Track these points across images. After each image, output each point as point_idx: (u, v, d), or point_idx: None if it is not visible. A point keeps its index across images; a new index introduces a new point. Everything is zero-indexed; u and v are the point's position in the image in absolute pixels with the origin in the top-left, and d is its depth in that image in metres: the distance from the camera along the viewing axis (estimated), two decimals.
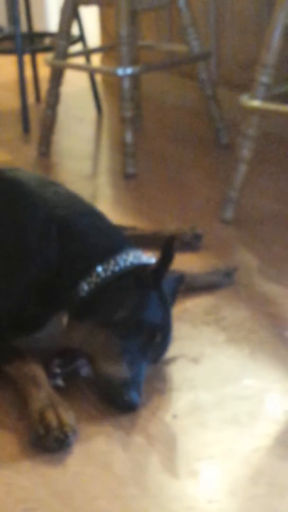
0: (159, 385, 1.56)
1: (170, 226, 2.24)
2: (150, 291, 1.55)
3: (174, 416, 1.46)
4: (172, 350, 1.66)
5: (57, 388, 1.48)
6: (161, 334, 1.54)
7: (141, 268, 1.58)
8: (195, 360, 1.63)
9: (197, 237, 2.14)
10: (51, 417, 1.38)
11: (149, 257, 1.63)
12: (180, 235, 2.13)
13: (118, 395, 1.45)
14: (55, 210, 1.64)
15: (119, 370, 1.46)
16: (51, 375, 1.50)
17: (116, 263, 1.57)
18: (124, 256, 1.59)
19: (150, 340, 1.52)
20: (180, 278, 1.70)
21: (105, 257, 1.58)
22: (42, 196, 1.67)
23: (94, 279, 1.56)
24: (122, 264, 1.57)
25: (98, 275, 1.56)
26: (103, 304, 1.54)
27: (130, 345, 1.49)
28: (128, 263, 1.58)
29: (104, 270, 1.57)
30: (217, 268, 1.98)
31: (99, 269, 1.57)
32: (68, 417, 1.40)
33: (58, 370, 1.51)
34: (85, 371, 1.52)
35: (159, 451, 1.37)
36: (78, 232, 1.62)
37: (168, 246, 1.53)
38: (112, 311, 1.52)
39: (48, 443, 1.36)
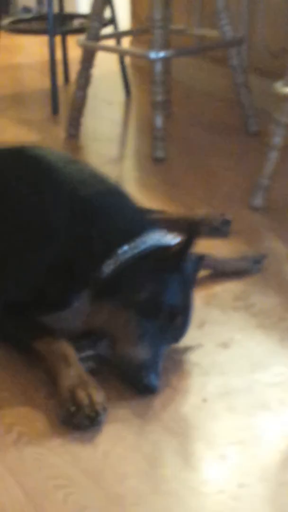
0: (189, 369, 1.56)
1: (199, 211, 2.24)
2: (172, 273, 1.55)
3: (204, 400, 1.46)
4: (202, 335, 1.67)
5: (90, 371, 1.48)
6: (181, 316, 1.55)
7: (164, 250, 1.57)
8: (224, 345, 1.64)
9: (226, 223, 2.14)
10: (82, 395, 1.39)
11: (173, 238, 1.62)
12: (209, 220, 2.13)
13: (137, 378, 1.45)
14: (80, 189, 1.64)
15: (138, 352, 1.47)
16: (83, 358, 1.50)
17: (139, 244, 1.57)
18: (147, 237, 1.58)
19: (170, 322, 1.53)
20: (199, 260, 1.69)
21: (129, 237, 1.58)
22: (67, 174, 1.67)
23: (117, 259, 1.56)
24: (145, 245, 1.57)
25: (121, 255, 1.56)
26: (125, 285, 1.54)
27: (150, 326, 1.50)
28: (151, 244, 1.57)
29: (127, 250, 1.57)
30: (246, 255, 1.98)
31: (122, 249, 1.56)
32: (99, 395, 1.40)
33: (90, 352, 1.51)
34: (107, 351, 1.53)
35: (189, 434, 1.37)
36: (102, 212, 1.61)
37: (192, 230, 1.53)
38: (134, 292, 1.53)
39: (79, 420, 1.37)
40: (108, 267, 1.56)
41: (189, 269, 1.60)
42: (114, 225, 1.60)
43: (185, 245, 1.54)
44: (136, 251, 1.56)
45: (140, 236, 1.58)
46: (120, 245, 1.57)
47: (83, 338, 1.54)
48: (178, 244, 1.56)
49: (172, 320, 1.53)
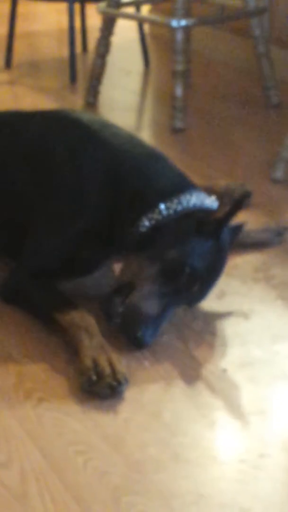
0: (209, 339, 1.55)
1: (219, 181, 2.22)
2: (207, 238, 1.54)
3: (225, 370, 1.45)
4: (223, 305, 1.66)
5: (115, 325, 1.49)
6: (200, 283, 1.53)
7: (203, 212, 1.56)
8: (245, 316, 1.62)
9: (247, 195, 2.12)
10: (104, 364, 1.38)
11: (213, 201, 1.61)
12: (230, 191, 2.11)
13: (133, 329, 1.46)
14: (116, 152, 1.63)
15: (144, 307, 1.47)
16: (113, 315, 1.51)
17: (179, 203, 1.56)
18: (187, 196, 1.57)
19: (188, 287, 1.52)
20: (238, 228, 1.68)
21: (168, 195, 1.56)
22: (103, 138, 1.65)
23: (155, 215, 1.55)
24: (185, 204, 1.56)
25: (160, 212, 1.55)
26: (159, 240, 1.53)
27: (167, 286, 1.49)
28: (191, 204, 1.56)
29: (167, 208, 1.56)
30: (267, 227, 1.96)
31: (162, 206, 1.56)
32: (121, 365, 1.40)
33: (120, 309, 1.51)
34: None
35: (210, 404, 1.37)
36: (141, 173, 1.60)
37: (239, 201, 1.52)
38: (164, 250, 1.52)
39: (101, 389, 1.36)
40: (147, 222, 1.55)
41: (226, 238, 1.59)
42: (153, 183, 1.59)
43: (228, 214, 1.53)
44: (176, 208, 1.56)
45: (181, 195, 1.57)
46: (159, 203, 1.56)
47: (115, 293, 1.54)
48: (221, 211, 1.54)
49: (191, 285, 1.52)
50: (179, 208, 1.55)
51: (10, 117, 1.83)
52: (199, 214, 1.55)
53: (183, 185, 1.60)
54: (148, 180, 1.59)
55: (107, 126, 1.72)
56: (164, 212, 1.55)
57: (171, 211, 1.55)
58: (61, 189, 1.62)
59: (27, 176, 1.67)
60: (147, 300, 1.48)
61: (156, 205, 1.56)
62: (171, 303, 1.50)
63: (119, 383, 1.37)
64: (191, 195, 1.57)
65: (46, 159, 1.65)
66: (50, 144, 1.67)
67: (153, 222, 1.55)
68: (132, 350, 1.49)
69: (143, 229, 1.55)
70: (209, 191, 2.07)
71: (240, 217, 2.02)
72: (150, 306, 1.47)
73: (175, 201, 1.56)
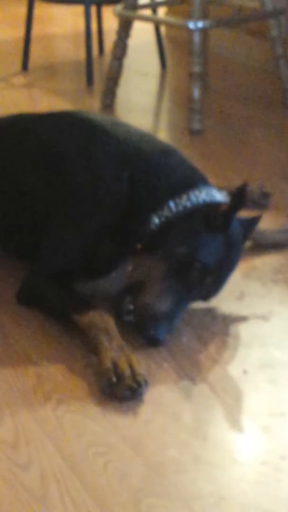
0: (229, 340, 1.54)
1: (238, 183, 2.21)
2: (216, 232, 1.54)
3: (245, 372, 1.44)
4: (241, 307, 1.65)
5: (129, 323, 1.50)
6: (212, 277, 1.53)
7: (213, 207, 1.55)
8: (265, 318, 1.62)
9: (266, 196, 2.11)
10: (124, 366, 1.38)
11: (223, 195, 1.60)
12: (249, 193, 2.10)
13: (145, 326, 1.46)
14: (128, 150, 1.63)
15: (156, 303, 1.47)
16: (124, 312, 1.51)
17: (188, 199, 1.56)
18: (196, 192, 1.57)
19: (200, 281, 1.52)
20: (255, 220, 1.68)
21: (178, 192, 1.57)
22: (115, 136, 1.66)
23: (165, 212, 1.56)
24: (194, 200, 1.56)
25: (169, 208, 1.56)
26: (169, 237, 1.54)
27: (178, 282, 1.49)
28: (200, 200, 1.56)
29: (176, 204, 1.56)
30: (285, 227, 1.95)
31: (171, 203, 1.56)
32: (140, 367, 1.39)
33: (131, 307, 1.51)
34: None
35: (230, 405, 1.36)
36: (152, 170, 1.60)
37: (240, 191, 1.51)
38: (175, 246, 1.52)
39: (121, 391, 1.36)
40: (157, 219, 1.56)
41: (238, 231, 1.59)
42: (163, 180, 1.59)
43: (233, 207, 1.53)
44: (185, 204, 1.56)
45: (190, 191, 1.57)
46: (170, 198, 1.56)
47: (126, 292, 1.54)
48: (227, 204, 1.54)
49: (203, 279, 1.52)
50: (188, 204, 1.55)
51: (21, 120, 1.84)
52: (208, 209, 1.55)
53: (194, 181, 1.60)
54: (159, 177, 1.60)
55: (118, 124, 1.72)
56: (173, 209, 1.55)
57: (180, 208, 1.55)
58: (76, 188, 1.62)
59: (41, 177, 1.67)
60: (158, 297, 1.48)
61: (165, 202, 1.56)
62: (184, 298, 1.50)
63: (139, 385, 1.36)
64: (201, 191, 1.57)
65: (59, 159, 1.65)
66: (62, 145, 1.67)
67: (162, 219, 1.55)
68: (151, 352, 1.48)
69: (153, 226, 1.55)
70: (231, 191, 2.07)
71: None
72: (162, 303, 1.47)
73: (184, 197, 1.56)
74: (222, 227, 1.54)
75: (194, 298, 1.55)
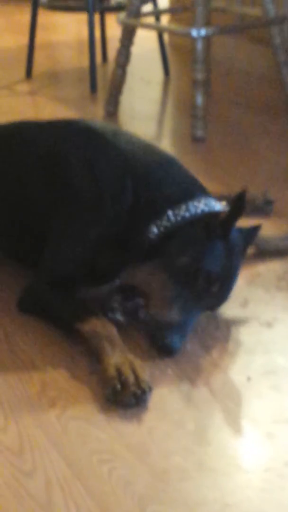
0: (232, 347, 1.55)
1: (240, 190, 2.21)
2: (217, 241, 1.55)
3: (249, 379, 1.45)
4: (245, 314, 1.65)
5: (116, 324, 1.50)
6: (219, 284, 1.54)
7: (212, 216, 1.56)
8: (268, 325, 1.62)
9: (269, 203, 2.12)
10: (128, 373, 1.38)
11: (222, 205, 1.61)
12: (251, 200, 2.11)
13: (160, 337, 1.47)
14: (129, 160, 1.64)
15: (168, 313, 1.48)
16: (110, 309, 1.53)
17: (187, 209, 1.57)
18: (196, 202, 1.58)
19: (207, 289, 1.52)
20: (255, 229, 1.68)
21: (177, 202, 1.58)
22: (117, 145, 1.66)
23: (164, 222, 1.57)
24: (193, 210, 1.57)
25: (168, 219, 1.57)
26: (169, 248, 1.55)
27: (185, 291, 1.50)
28: (199, 210, 1.57)
29: (175, 214, 1.57)
30: None
31: (170, 213, 1.57)
32: (144, 374, 1.40)
33: (117, 305, 1.53)
34: (142, 312, 1.54)
35: (233, 412, 1.36)
36: (152, 180, 1.61)
37: (238, 198, 1.52)
38: (175, 256, 1.53)
39: (125, 398, 1.36)
40: (156, 229, 1.56)
41: (238, 240, 1.59)
42: (163, 191, 1.60)
43: (232, 214, 1.53)
44: (184, 215, 1.57)
45: (189, 201, 1.58)
46: (169, 209, 1.57)
47: (118, 291, 1.56)
48: (226, 212, 1.55)
49: (209, 287, 1.52)
50: (187, 214, 1.56)
51: (24, 127, 1.84)
52: (207, 218, 1.56)
53: (193, 192, 1.61)
54: (158, 187, 1.60)
55: (120, 133, 1.73)
56: (172, 219, 1.56)
57: (179, 218, 1.56)
58: (78, 197, 1.63)
59: (43, 185, 1.68)
60: (167, 308, 1.48)
61: (164, 212, 1.57)
62: (194, 308, 1.51)
63: (143, 391, 1.36)
64: (200, 201, 1.59)
65: (61, 168, 1.66)
66: (64, 153, 1.68)
67: (161, 229, 1.56)
68: (155, 359, 1.48)
69: (152, 236, 1.56)
70: (230, 199, 2.07)
71: (262, 226, 2.03)
72: (172, 313, 1.48)
73: (183, 207, 1.57)
74: (222, 235, 1.55)
75: (203, 307, 1.55)
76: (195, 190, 1.63)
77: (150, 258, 1.55)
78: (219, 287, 1.54)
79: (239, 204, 1.53)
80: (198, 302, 1.52)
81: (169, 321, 1.47)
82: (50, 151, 1.70)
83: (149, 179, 1.61)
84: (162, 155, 1.70)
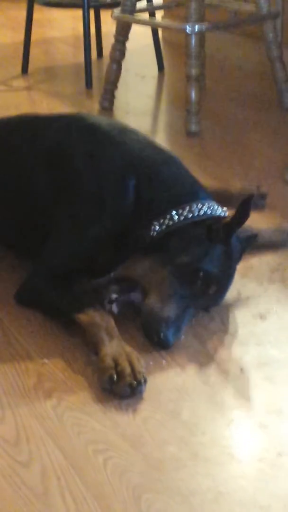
0: (226, 339, 1.56)
1: (235, 184, 2.23)
2: (218, 244, 1.56)
3: (242, 370, 1.46)
4: (239, 306, 1.67)
5: (112, 315, 1.53)
6: (216, 286, 1.56)
7: (214, 220, 1.59)
8: (261, 317, 1.64)
9: (262, 196, 2.13)
10: (124, 364, 1.40)
11: (224, 210, 1.63)
12: (245, 193, 2.12)
13: (155, 331, 1.49)
14: (133, 158, 1.65)
15: (164, 308, 1.50)
16: (107, 300, 1.54)
17: (191, 211, 1.59)
18: (199, 205, 1.60)
19: (204, 290, 1.54)
20: (253, 237, 1.71)
21: (181, 203, 1.59)
22: (121, 143, 1.68)
23: (167, 221, 1.58)
24: (196, 212, 1.59)
25: (171, 218, 1.58)
26: (170, 246, 1.57)
27: (183, 289, 1.52)
28: (202, 213, 1.59)
29: (178, 214, 1.59)
30: (282, 227, 1.97)
31: (173, 213, 1.59)
32: (140, 365, 1.41)
33: (114, 296, 1.55)
34: (136, 296, 1.57)
35: (228, 403, 1.38)
36: (156, 179, 1.63)
37: (245, 203, 1.54)
38: (176, 254, 1.55)
39: (121, 389, 1.38)
40: (158, 226, 1.58)
41: (236, 245, 1.61)
42: (168, 191, 1.62)
43: (238, 219, 1.55)
44: (187, 216, 1.59)
45: (193, 203, 1.60)
46: (173, 209, 1.59)
47: (115, 283, 1.58)
48: (231, 217, 1.57)
49: (206, 288, 1.54)
50: (190, 215, 1.59)
51: (29, 121, 1.86)
52: (211, 221, 1.58)
53: (197, 193, 1.63)
54: (162, 187, 1.62)
55: (125, 131, 1.74)
56: (175, 219, 1.58)
57: (182, 218, 1.58)
58: (81, 192, 1.64)
59: (47, 180, 1.69)
60: (165, 302, 1.50)
61: (167, 212, 1.58)
62: (189, 307, 1.53)
63: (139, 382, 1.38)
64: (203, 204, 1.61)
65: (66, 163, 1.67)
66: (69, 149, 1.69)
67: (164, 227, 1.58)
68: (150, 350, 1.50)
69: (153, 233, 1.57)
70: (225, 193, 2.09)
71: (255, 218, 2.04)
72: (170, 308, 1.50)
73: (187, 208, 1.59)
74: (224, 238, 1.56)
75: (199, 308, 1.57)
76: (198, 191, 1.65)
77: (150, 252, 1.57)
78: (216, 288, 1.56)
79: (244, 209, 1.55)
80: (195, 301, 1.54)
81: (165, 316, 1.49)
82: (55, 146, 1.71)
83: (153, 177, 1.63)
84: (166, 154, 1.72)
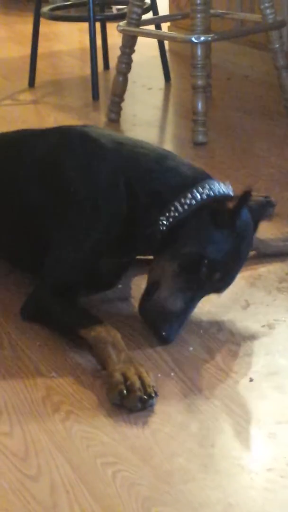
0: (234, 349, 1.56)
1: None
2: (223, 229, 1.56)
3: (251, 380, 1.46)
4: (247, 316, 1.66)
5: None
6: (221, 272, 1.56)
7: (220, 201, 1.58)
8: (270, 326, 1.63)
9: (271, 205, 2.12)
10: (133, 378, 1.39)
11: (228, 187, 1.63)
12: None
13: (157, 327, 1.51)
14: (123, 160, 1.65)
15: (169, 304, 1.52)
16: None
17: (193, 197, 1.59)
18: (200, 189, 1.59)
19: (209, 276, 1.55)
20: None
21: (181, 191, 1.59)
22: (110, 148, 1.68)
23: (171, 213, 1.58)
24: (198, 197, 1.59)
25: (175, 209, 1.59)
26: (175, 239, 1.57)
27: (189, 280, 1.53)
28: (204, 196, 1.59)
29: (181, 204, 1.59)
30: None
31: (176, 203, 1.59)
32: (149, 378, 1.41)
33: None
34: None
35: (237, 413, 1.37)
36: (150, 176, 1.62)
37: (246, 190, 1.54)
38: (181, 245, 1.56)
39: (131, 403, 1.37)
40: (165, 221, 1.59)
41: (247, 221, 1.60)
42: (164, 184, 1.62)
43: (240, 203, 1.55)
44: (191, 203, 1.58)
45: (193, 188, 1.59)
46: (174, 199, 1.59)
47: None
48: (233, 201, 1.57)
49: (212, 275, 1.55)
50: (193, 202, 1.58)
51: (19, 136, 1.87)
52: (214, 205, 1.57)
53: (195, 178, 1.62)
54: (159, 181, 1.62)
55: (112, 136, 1.75)
56: (180, 209, 1.58)
57: (185, 207, 1.58)
58: (77, 202, 1.64)
59: (42, 193, 1.69)
60: (170, 297, 1.52)
61: (171, 204, 1.58)
62: (195, 296, 1.54)
63: (150, 396, 1.37)
64: (203, 186, 1.60)
65: (59, 174, 1.67)
66: (61, 159, 1.69)
67: (170, 220, 1.58)
68: (158, 362, 1.50)
69: (163, 228, 1.58)
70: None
71: (264, 227, 2.04)
72: (174, 303, 1.52)
73: (189, 195, 1.58)
74: (230, 222, 1.56)
75: (203, 295, 1.58)
76: (196, 176, 1.64)
77: (164, 249, 1.58)
78: (222, 274, 1.56)
79: (246, 193, 1.55)
80: (202, 289, 1.55)
81: (169, 311, 1.51)
82: (46, 159, 1.72)
83: (147, 175, 1.63)
84: (158, 151, 1.71)
